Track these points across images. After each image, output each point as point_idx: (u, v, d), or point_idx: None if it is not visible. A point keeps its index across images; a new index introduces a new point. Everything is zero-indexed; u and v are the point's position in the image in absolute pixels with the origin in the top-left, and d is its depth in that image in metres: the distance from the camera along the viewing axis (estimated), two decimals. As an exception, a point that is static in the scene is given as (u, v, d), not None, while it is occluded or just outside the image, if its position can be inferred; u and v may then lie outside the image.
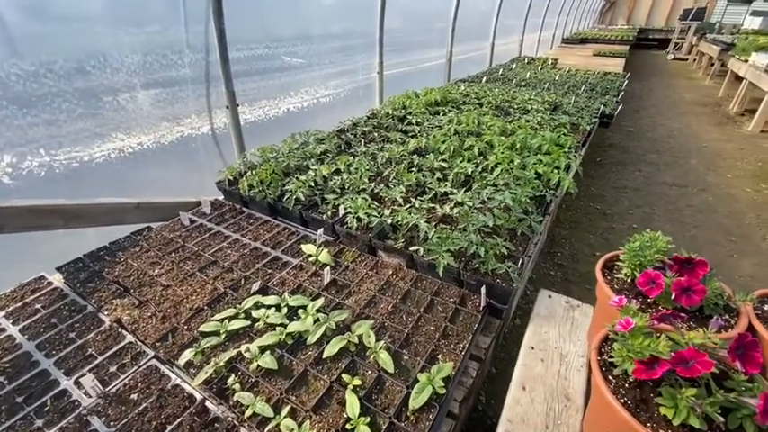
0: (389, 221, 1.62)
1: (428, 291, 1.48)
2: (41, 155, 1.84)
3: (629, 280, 1.16)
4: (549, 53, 9.75)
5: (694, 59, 13.33)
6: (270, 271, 1.65)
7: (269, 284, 1.55)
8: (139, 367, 1.24)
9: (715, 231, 3.66)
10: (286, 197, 1.90)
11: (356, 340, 1.21)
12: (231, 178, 2.16)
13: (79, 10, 1.90)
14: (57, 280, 1.67)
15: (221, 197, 2.31)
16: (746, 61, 7.19)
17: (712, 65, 10.67)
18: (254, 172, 2.06)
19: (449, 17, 5.09)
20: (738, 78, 7.61)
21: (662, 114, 7.58)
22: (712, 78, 10.57)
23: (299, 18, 3.11)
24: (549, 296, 1.53)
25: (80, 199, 1.84)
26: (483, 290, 1.39)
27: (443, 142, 2.48)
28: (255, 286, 1.50)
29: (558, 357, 1.28)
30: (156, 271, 1.66)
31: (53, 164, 1.89)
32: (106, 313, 1.47)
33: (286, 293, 1.44)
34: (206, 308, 1.44)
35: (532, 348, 1.31)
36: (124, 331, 1.38)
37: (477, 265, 1.45)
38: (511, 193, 1.80)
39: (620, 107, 3.94)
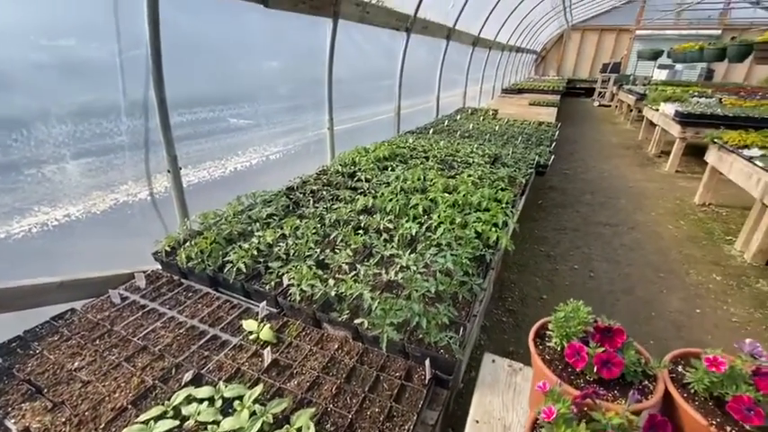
0: (334, 293, 1.61)
1: (374, 365, 1.45)
2: (-56, 237, 1.67)
3: (558, 349, 1.21)
4: (491, 103, 10.59)
5: (616, 106, 15.02)
6: (206, 354, 1.55)
7: (204, 371, 1.44)
8: (43, 491, 1.09)
9: (645, 268, 3.97)
10: (227, 269, 1.84)
11: (295, 434, 1.15)
12: (169, 248, 2.06)
13: None
14: (-49, 384, 1.46)
15: (160, 267, 2.19)
16: (657, 110, 8.21)
17: (631, 111, 12.06)
18: (193, 242, 1.99)
19: (395, 74, 5.42)
20: (653, 124, 8.64)
21: (593, 157, 8.35)
22: (632, 123, 11.92)
23: (246, 82, 3.18)
24: (493, 360, 1.56)
25: (-11, 284, 1.67)
26: (428, 363, 1.38)
27: (390, 200, 2.55)
28: (188, 375, 1.40)
29: (502, 430, 1.28)
30: (76, 364, 1.50)
31: (-42, 246, 1.71)
32: (13, 421, 1.30)
33: (221, 383, 1.35)
34: (130, 407, 1.31)
35: (477, 422, 1.30)
36: (29, 445, 1.22)
37: (421, 336, 1.45)
38: (452, 254, 1.86)
39: (552, 157, 4.29)
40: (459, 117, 6.87)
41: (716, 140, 5.14)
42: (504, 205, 2.57)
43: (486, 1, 6.96)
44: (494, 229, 2.16)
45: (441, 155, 3.97)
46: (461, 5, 6.10)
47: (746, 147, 4.66)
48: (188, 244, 2.02)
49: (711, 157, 5.28)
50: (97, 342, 1.61)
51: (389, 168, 3.45)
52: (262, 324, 1.64)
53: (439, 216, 2.29)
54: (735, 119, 6.25)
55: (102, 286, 2.03)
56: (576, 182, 6.68)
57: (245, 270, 1.85)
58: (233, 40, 3.02)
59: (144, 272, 2.11)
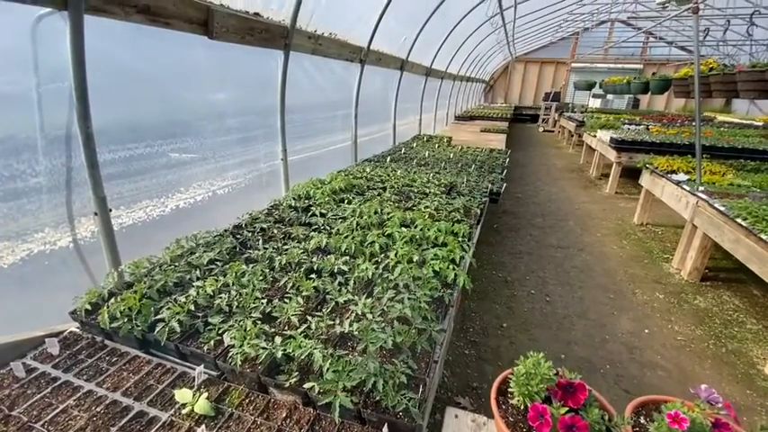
0: (281, 353, 1.45)
1: (326, 435, 1.30)
2: None
3: (521, 407, 1.14)
4: (445, 130, 10.95)
5: (559, 131, 16.13)
6: (129, 437, 1.32)
7: (123, 462, 1.22)
8: None
9: (596, 290, 4.12)
10: (158, 328, 1.62)
11: None
12: (90, 306, 1.80)
13: None
14: None
15: (80, 327, 1.91)
16: (595, 136, 8.86)
17: (572, 136, 12.98)
18: (118, 298, 1.75)
19: (351, 104, 5.43)
20: (592, 148, 9.31)
21: (541, 180, 8.80)
22: (574, 148, 12.81)
23: (190, 114, 2.99)
24: (456, 416, 1.46)
25: None
26: (385, 429, 1.26)
27: (346, 237, 2.45)
28: (102, 471, 1.17)
29: (468, 502, 1.17)
30: (-45, 466, 1.22)
31: None
32: None
33: (143, 478, 1.14)
34: None
35: (441, 495, 1.19)
36: None
37: (378, 398, 1.33)
38: (410, 298, 1.78)
39: (504, 185, 4.42)
40: (415, 144, 6.99)
41: (647, 166, 5.59)
42: (460, 239, 2.55)
43: (435, 35, 7.27)
44: (451, 266, 2.11)
45: (398, 185, 3.95)
46: (413, 39, 6.31)
47: (674, 171, 5.09)
48: (114, 300, 1.78)
49: (645, 180, 5.71)
50: (-12, 433, 1.33)
51: (346, 201, 3.36)
52: (198, 393, 1.44)
53: (396, 254, 2.21)
54: (661, 145, 6.87)
55: (7, 354, 1.72)
56: (527, 205, 6.95)
57: (179, 329, 1.64)
58: (175, 71, 2.85)
59: (58, 334, 1.82)
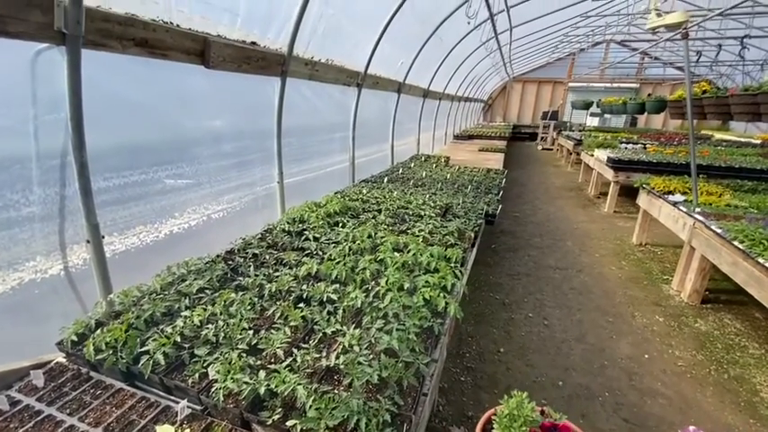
0: (263, 389, 1.43)
1: (308, 476, 1.27)
2: None
3: (505, 450, 1.12)
4: (444, 149, 11.06)
5: (557, 149, 16.25)
6: (106, 478, 1.29)
7: (98, 506, 1.19)
8: None
9: (595, 313, 4.07)
10: (142, 362, 1.61)
11: None
12: (76, 337, 1.79)
13: None
14: None
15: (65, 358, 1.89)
16: (593, 155, 8.92)
17: (570, 155, 13.07)
18: (105, 329, 1.74)
19: (348, 126, 5.51)
20: (590, 167, 9.35)
21: (539, 199, 8.81)
22: (572, 166, 12.87)
23: (185, 141, 3.04)
24: (443, 454, 1.42)
25: None
26: (367, 470, 1.23)
27: (337, 263, 2.44)
28: None
29: None
30: None
31: None
32: None
33: None
34: None
35: None
36: None
37: (361, 436, 1.30)
38: (399, 328, 1.76)
39: (500, 206, 4.43)
40: (413, 164, 7.04)
41: (644, 186, 5.60)
42: (453, 264, 2.54)
43: (432, 59, 7.42)
44: (442, 294, 2.09)
45: (393, 207, 3.96)
46: (410, 63, 6.45)
47: (671, 192, 5.09)
48: (100, 331, 1.77)
49: (642, 201, 5.72)
50: (-37, 473, 1.30)
51: (340, 224, 3.36)
52: (180, 429, 1.42)
53: (387, 281, 2.20)
54: (658, 164, 6.91)
55: (-10, 385, 1.71)
56: (525, 225, 6.95)
57: (164, 361, 1.62)
58: (171, 98, 2.91)
59: (44, 365, 1.81)
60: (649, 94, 12.05)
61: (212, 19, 2.72)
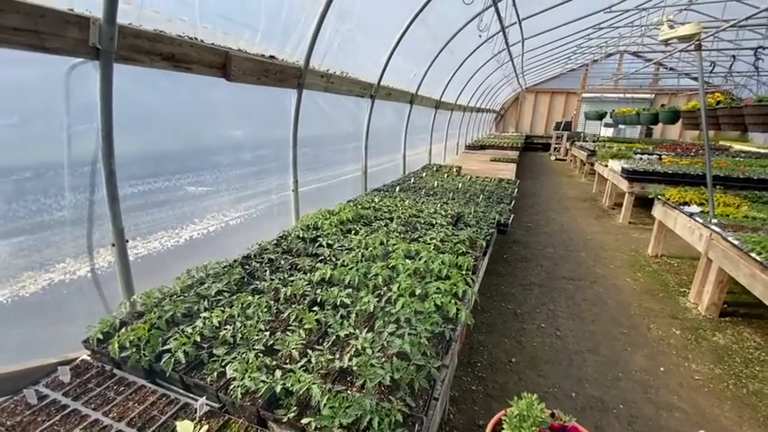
0: (279, 387, 1.48)
1: (322, 473, 1.31)
2: None
3: (515, 450, 1.14)
4: (455, 159, 11.10)
5: (570, 160, 16.14)
6: (130, 469, 1.35)
7: (122, 495, 1.25)
8: None
9: (609, 324, 4.01)
10: (164, 359, 1.68)
11: None
12: (101, 335, 1.87)
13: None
14: None
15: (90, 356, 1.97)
16: (607, 166, 8.85)
17: (584, 165, 12.96)
18: (129, 328, 1.82)
19: (362, 136, 5.62)
20: (604, 177, 9.26)
21: (552, 209, 8.75)
22: (586, 177, 12.75)
23: (207, 150, 3.17)
24: (453, 456, 1.44)
25: None
26: (379, 468, 1.26)
27: (350, 269, 2.50)
28: (102, 503, 1.20)
29: None
30: (-36, 493, 1.26)
31: None
32: None
33: None
34: None
35: None
36: None
37: (373, 435, 1.34)
38: (410, 333, 1.80)
39: (512, 216, 4.44)
40: (424, 174, 7.10)
41: (659, 197, 5.54)
42: (464, 272, 2.57)
43: (444, 70, 7.53)
44: (454, 300, 2.12)
45: (405, 215, 4.01)
46: (422, 75, 6.56)
47: (687, 203, 5.03)
48: (124, 329, 1.85)
49: (658, 211, 5.65)
50: (-3, 461, 1.38)
51: (353, 232, 3.43)
52: (199, 426, 1.47)
53: (399, 287, 2.24)
54: (674, 175, 6.82)
55: (22, 380, 1.80)
56: (538, 235, 6.90)
57: (184, 360, 1.69)
58: (193, 109, 3.04)
59: (70, 362, 1.89)
60: (663, 105, 11.92)
61: (234, 34, 2.86)
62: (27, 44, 1.75)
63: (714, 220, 4.28)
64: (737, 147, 13.17)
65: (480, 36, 5.37)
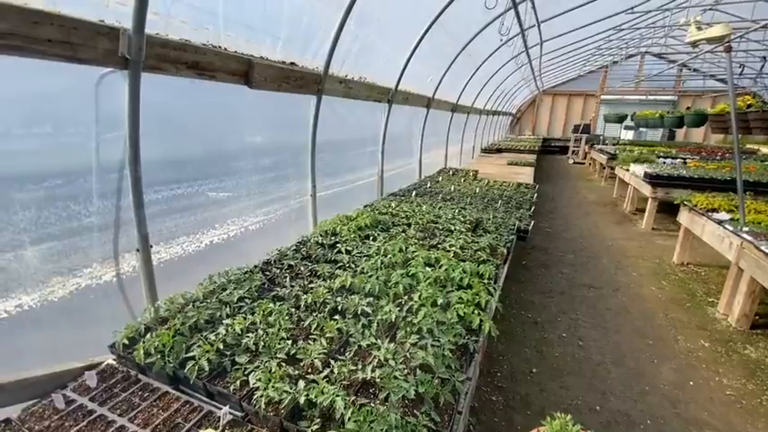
0: (303, 398, 1.47)
1: (346, 488, 1.29)
2: None
3: (549, 474, 1.10)
4: (471, 163, 11.00)
5: (590, 164, 15.80)
6: (155, 478, 1.36)
7: (149, 504, 1.25)
8: None
9: (633, 335, 3.89)
10: (188, 366, 1.69)
11: None
12: (127, 341, 1.90)
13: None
14: None
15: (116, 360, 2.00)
16: (628, 170, 8.62)
17: (604, 169, 12.67)
18: (153, 334, 1.84)
19: (378, 141, 5.61)
20: (625, 182, 9.03)
21: (572, 215, 8.57)
22: (606, 181, 12.46)
23: (228, 156, 3.21)
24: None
25: None
26: (405, 486, 1.23)
27: (370, 277, 2.48)
28: None
29: None
30: (-3, 497, 1.29)
31: None
32: None
33: None
34: None
35: None
36: None
37: (398, 451, 1.31)
38: (433, 344, 1.76)
39: (532, 222, 4.36)
40: (440, 178, 7.05)
41: (686, 203, 5.35)
42: (486, 281, 2.52)
43: (461, 74, 7.48)
44: (477, 311, 2.08)
45: (423, 221, 3.98)
46: (439, 79, 6.52)
47: (715, 210, 4.84)
48: (149, 335, 1.87)
49: (684, 218, 5.46)
50: (28, 465, 1.40)
51: (371, 238, 3.41)
52: (223, 435, 1.47)
53: (420, 296, 2.21)
54: (700, 180, 6.60)
55: (49, 384, 1.84)
56: (557, 240, 6.77)
57: (207, 367, 1.70)
58: (216, 117, 3.08)
59: (96, 366, 1.92)
60: (688, 108, 11.57)
61: (256, 42, 2.89)
62: (61, 55, 1.79)
63: (745, 228, 4.11)
64: (765, 150, 12.67)
65: (501, 39, 5.31)
